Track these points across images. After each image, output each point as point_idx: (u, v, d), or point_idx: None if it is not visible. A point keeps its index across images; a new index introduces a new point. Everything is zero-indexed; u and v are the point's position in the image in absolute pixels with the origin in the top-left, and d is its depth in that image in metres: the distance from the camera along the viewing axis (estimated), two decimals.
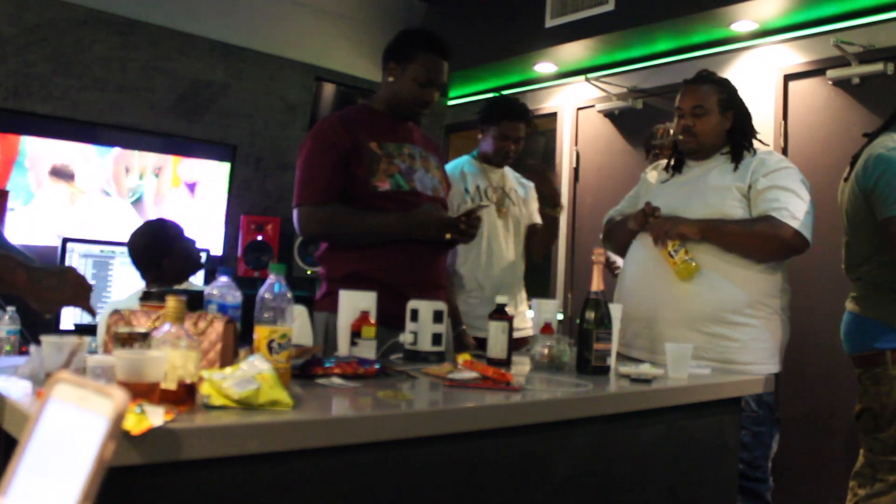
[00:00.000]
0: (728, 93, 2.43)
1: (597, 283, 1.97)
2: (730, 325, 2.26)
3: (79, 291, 1.55)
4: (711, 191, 2.35)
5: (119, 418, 0.59)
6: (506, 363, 1.94)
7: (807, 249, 2.30)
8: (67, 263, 3.56)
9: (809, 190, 2.33)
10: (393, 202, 2.19)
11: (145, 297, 1.55)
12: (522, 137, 2.95)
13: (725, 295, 2.26)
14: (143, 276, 2.61)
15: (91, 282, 1.60)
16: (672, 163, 2.53)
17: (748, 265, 2.29)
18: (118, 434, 0.59)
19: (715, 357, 2.23)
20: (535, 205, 3.09)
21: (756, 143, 2.46)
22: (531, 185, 3.10)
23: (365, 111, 2.35)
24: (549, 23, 4.16)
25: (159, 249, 2.58)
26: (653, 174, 2.63)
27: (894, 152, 2.25)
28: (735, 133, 2.42)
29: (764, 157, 2.38)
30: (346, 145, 2.19)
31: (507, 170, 3.07)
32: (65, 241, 3.60)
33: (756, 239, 2.27)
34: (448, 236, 2.15)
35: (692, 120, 2.41)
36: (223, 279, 1.55)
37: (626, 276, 2.47)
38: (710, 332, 2.25)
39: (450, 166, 2.92)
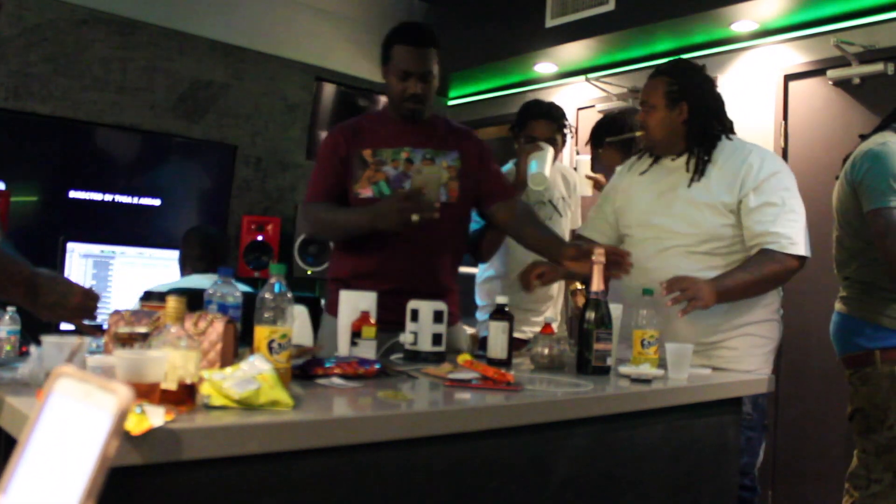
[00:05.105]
0: (680, 84, 2.28)
1: (597, 284, 1.96)
2: (727, 339, 2.23)
3: (84, 305, 1.53)
4: (695, 208, 2.23)
5: (123, 415, 0.59)
6: (506, 363, 1.94)
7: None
8: (67, 264, 3.56)
9: (797, 191, 2.24)
10: None
11: (146, 297, 1.55)
12: (554, 137, 2.83)
13: (721, 317, 2.20)
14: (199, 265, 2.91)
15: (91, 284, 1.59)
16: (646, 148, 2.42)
17: None
18: (122, 431, 0.59)
19: (713, 366, 2.19)
20: (579, 197, 3.04)
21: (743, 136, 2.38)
22: (575, 180, 3.05)
23: (374, 118, 2.40)
24: (550, 23, 4.16)
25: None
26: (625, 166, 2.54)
27: (883, 147, 2.25)
28: (691, 125, 2.28)
29: (752, 161, 2.22)
30: (343, 153, 2.27)
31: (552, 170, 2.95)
32: (65, 240, 3.60)
33: (768, 283, 2.19)
34: (415, 218, 2.02)
35: (643, 115, 2.34)
36: (223, 279, 1.55)
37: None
38: (708, 345, 2.22)
39: None
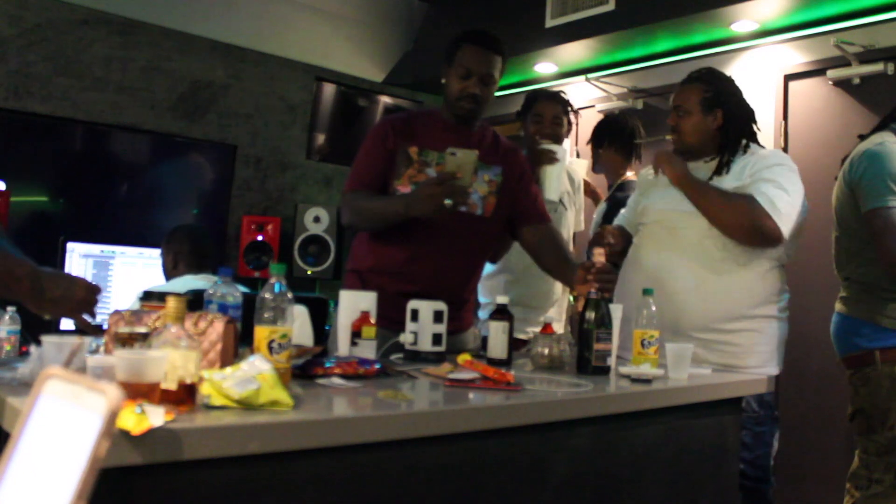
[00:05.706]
0: (715, 91, 2.35)
1: None
2: (730, 333, 2.23)
3: (88, 299, 1.53)
4: None
5: (113, 416, 0.58)
6: (506, 363, 1.94)
7: (779, 243, 2.22)
8: (67, 264, 3.56)
9: (801, 192, 2.26)
10: None
11: (146, 297, 1.55)
12: (560, 117, 2.83)
13: (724, 305, 2.22)
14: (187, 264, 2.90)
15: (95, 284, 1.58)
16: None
17: (745, 273, 2.24)
18: (112, 432, 0.58)
19: (716, 362, 2.20)
20: (582, 197, 3.05)
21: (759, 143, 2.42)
22: (579, 178, 3.05)
23: (427, 116, 2.37)
24: (550, 23, 4.16)
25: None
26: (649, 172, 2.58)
27: (881, 147, 2.26)
28: (726, 132, 2.35)
29: (766, 153, 2.32)
30: (391, 145, 2.23)
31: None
32: (65, 240, 3.60)
33: (729, 212, 2.20)
34: (448, 202, 1.99)
35: (676, 119, 2.39)
36: (223, 279, 1.55)
37: (622, 294, 2.34)
38: (711, 339, 2.23)
39: None
